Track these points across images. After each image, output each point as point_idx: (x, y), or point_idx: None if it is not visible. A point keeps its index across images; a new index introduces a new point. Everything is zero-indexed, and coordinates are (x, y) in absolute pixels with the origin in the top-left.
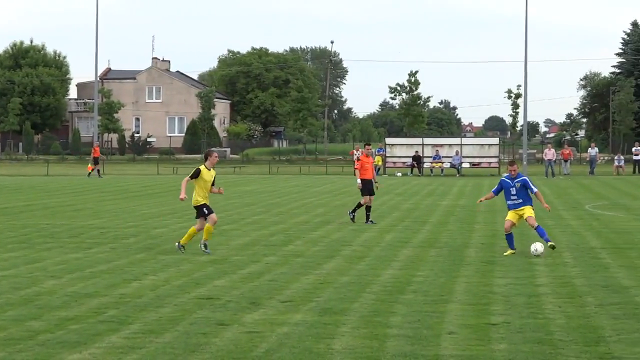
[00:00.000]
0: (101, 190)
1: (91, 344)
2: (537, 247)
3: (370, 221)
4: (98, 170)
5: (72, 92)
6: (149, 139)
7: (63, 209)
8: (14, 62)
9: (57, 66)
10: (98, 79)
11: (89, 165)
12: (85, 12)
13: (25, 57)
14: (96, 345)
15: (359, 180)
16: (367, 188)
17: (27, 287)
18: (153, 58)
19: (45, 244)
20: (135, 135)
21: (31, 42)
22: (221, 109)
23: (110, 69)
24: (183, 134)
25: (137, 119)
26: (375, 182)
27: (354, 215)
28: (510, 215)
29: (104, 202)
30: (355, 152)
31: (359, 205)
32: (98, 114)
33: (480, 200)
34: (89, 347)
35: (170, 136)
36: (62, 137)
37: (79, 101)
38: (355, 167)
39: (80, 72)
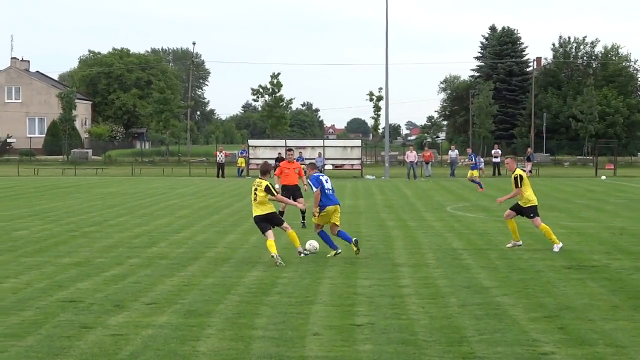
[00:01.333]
0: None
1: None
2: (312, 242)
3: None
4: None
5: None
6: (8, 140)
7: None
8: None
9: None
10: None
11: None
12: None
13: None
14: None
15: (277, 185)
16: (288, 194)
17: None
18: (12, 58)
19: None
20: None
21: None
22: (82, 110)
23: None
24: (44, 135)
25: None
26: (304, 185)
27: (303, 223)
28: None
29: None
30: (218, 153)
31: (302, 213)
32: None
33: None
34: None
35: (30, 137)
36: None
37: None
38: (275, 173)
39: None
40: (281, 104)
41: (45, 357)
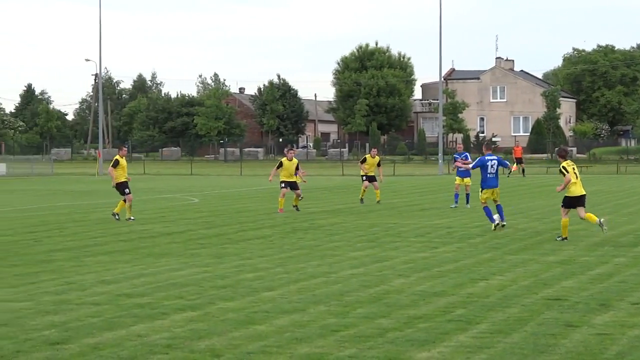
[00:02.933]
0: (447, 190)
1: (439, 343)
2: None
3: None
4: (523, 170)
5: (417, 93)
6: (493, 139)
7: (410, 209)
8: (360, 64)
9: (402, 67)
10: (442, 79)
11: (513, 165)
12: (429, 13)
13: (370, 59)
14: (444, 344)
15: None
16: None
17: (376, 285)
18: (497, 58)
19: (392, 242)
20: (480, 135)
21: (376, 44)
22: (566, 108)
23: (454, 69)
24: (528, 134)
25: (482, 119)
26: None
27: None
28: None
29: (450, 202)
30: None
31: None
32: (442, 114)
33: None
34: (437, 346)
35: (514, 135)
36: (407, 137)
37: (423, 102)
38: None
39: (425, 73)
40: None
41: (530, 354)
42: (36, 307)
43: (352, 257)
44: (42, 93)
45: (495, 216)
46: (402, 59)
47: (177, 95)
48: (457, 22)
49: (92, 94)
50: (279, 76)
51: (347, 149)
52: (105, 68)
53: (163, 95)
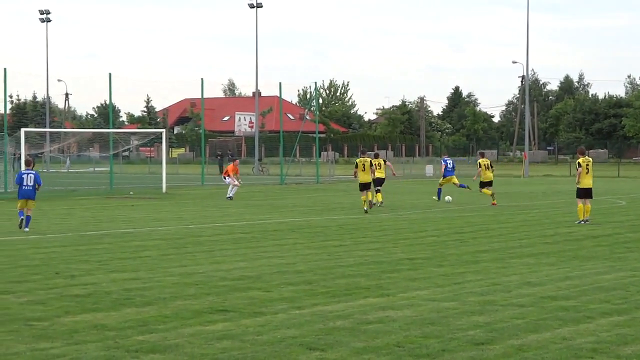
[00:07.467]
0: None
1: None
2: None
3: None
4: None
5: None
6: None
7: None
8: None
9: None
10: None
11: None
12: None
13: None
14: None
15: None
16: None
17: None
18: None
19: None
20: None
21: None
22: None
23: None
24: None
25: None
26: None
27: None
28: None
29: None
30: None
31: None
32: None
33: None
34: None
35: None
36: None
37: None
38: None
39: None
40: None
41: None
42: (461, 307)
43: None
44: (469, 95)
45: None
46: None
47: (605, 96)
48: None
49: (518, 95)
50: None
51: None
52: (532, 70)
53: (590, 96)
